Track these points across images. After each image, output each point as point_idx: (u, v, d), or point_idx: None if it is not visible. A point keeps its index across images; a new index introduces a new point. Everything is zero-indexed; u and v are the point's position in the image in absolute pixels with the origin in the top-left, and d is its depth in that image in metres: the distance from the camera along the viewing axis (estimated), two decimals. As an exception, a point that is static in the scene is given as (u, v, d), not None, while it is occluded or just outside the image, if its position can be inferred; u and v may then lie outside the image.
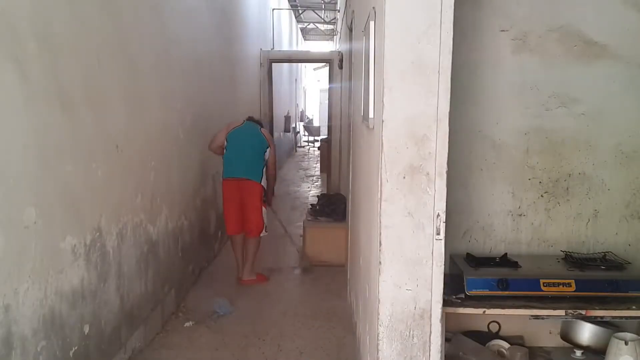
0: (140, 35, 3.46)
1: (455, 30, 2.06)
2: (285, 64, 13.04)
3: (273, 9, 10.49)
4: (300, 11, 15.19)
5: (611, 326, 2.70)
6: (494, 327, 3.00)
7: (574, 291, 2.50)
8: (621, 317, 2.53)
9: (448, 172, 2.13)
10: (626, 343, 2.45)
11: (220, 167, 4.99)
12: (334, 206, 5.70)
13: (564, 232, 2.95)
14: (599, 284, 2.52)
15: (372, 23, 2.47)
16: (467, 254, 2.82)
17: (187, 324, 3.83)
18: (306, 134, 18.86)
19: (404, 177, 2.14)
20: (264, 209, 4.78)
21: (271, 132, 9.07)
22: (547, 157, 2.91)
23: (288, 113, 14.52)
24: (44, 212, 2.30)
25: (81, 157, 2.64)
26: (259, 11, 8.87)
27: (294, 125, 16.21)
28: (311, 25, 17.73)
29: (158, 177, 3.69)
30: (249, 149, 4.70)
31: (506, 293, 2.50)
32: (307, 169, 12.73)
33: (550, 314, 2.45)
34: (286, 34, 13.49)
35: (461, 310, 2.45)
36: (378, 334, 2.24)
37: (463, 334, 2.91)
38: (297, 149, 17.41)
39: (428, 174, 2.13)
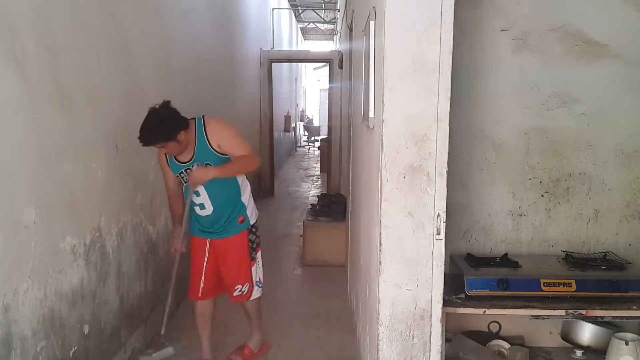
0: (140, 35, 3.46)
1: (455, 30, 2.06)
2: (285, 64, 13.04)
3: (273, 9, 10.48)
4: (300, 11, 15.18)
5: (612, 326, 2.70)
6: (494, 327, 3.00)
7: (574, 291, 2.50)
8: (621, 317, 2.53)
9: (448, 172, 2.13)
10: (627, 343, 2.45)
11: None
12: (334, 206, 5.70)
13: (564, 232, 2.95)
14: (600, 284, 2.52)
15: (372, 23, 2.46)
16: (468, 254, 2.82)
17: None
18: (306, 133, 18.85)
19: (404, 177, 2.14)
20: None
21: (271, 132, 9.11)
22: (548, 157, 2.91)
23: (288, 113, 14.52)
24: (44, 212, 2.30)
25: (81, 157, 2.63)
26: (259, 11, 8.86)
27: (294, 125, 16.21)
28: (311, 25, 17.71)
29: (158, 177, 3.68)
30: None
31: (506, 293, 2.50)
32: (307, 169, 12.73)
33: (550, 314, 2.45)
34: (286, 33, 13.48)
35: (461, 310, 2.45)
36: (378, 334, 2.24)
37: (463, 334, 2.91)
38: (297, 148, 17.42)
39: (428, 173, 2.13)
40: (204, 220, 3.04)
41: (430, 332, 2.22)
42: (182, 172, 2.94)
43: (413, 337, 2.23)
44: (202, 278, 3.11)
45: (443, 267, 2.19)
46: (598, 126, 2.89)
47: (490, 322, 2.99)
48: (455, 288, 2.53)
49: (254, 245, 3.16)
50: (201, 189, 2.92)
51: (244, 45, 7.54)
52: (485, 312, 2.45)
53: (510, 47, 2.84)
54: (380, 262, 2.19)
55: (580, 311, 2.43)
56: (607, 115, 2.88)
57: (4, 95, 2.08)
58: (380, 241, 2.18)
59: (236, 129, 3.03)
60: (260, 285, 3.23)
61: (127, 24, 3.23)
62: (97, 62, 2.81)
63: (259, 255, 3.19)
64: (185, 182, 2.95)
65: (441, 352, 2.25)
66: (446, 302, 2.29)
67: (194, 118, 2.99)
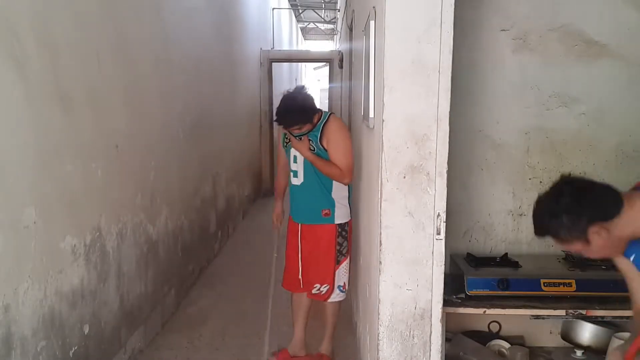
0: (140, 35, 3.46)
1: (455, 30, 2.06)
2: (285, 64, 13.02)
3: (273, 9, 10.48)
4: (300, 10, 15.18)
5: (612, 326, 2.70)
6: (494, 327, 2.99)
7: (574, 291, 2.50)
8: (622, 317, 2.52)
9: (448, 172, 2.13)
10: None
11: (220, 166, 4.95)
12: (334, 206, 5.69)
13: (564, 232, 2.94)
14: (600, 284, 2.51)
15: (372, 22, 2.46)
16: (468, 253, 2.82)
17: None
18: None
19: (404, 177, 2.14)
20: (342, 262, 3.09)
21: (271, 132, 9.11)
22: (548, 156, 2.91)
23: (288, 113, 14.48)
24: (44, 212, 2.30)
25: (81, 157, 2.63)
26: (259, 11, 8.86)
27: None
28: (311, 25, 17.71)
29: (158, 177, 3.68)
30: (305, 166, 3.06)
31: (507, 293, 2.50)
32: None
33: (550, 314, 2.45)
34: (286, 33, 13.48)
35: (461, 310, 2.45)
36: (378, 334, 2.23)
37: (463, 334, 2.91)
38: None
39: (428, 173, 2.13)
40: (295, 194, 3.14)
41: (431, 332, 2.22)
42: (286, 134, 3.09)
43: (413, 337, 2.22)
44: (300, 268, 3.16)
45: (443, 267, 2.18)
46: (598, 126, 2.88)
47: (491, 322, 2.99)
48: (455, 288, 2.53)
49: (342, 250, 3.08)
50: (300, 157, 3.04)
51: (244, 45, 7.54)
52: (485, 312, 2.45)
53: (511, 47, 2.83)
54: (380, 262, 2.19)
55: (581, 311, 2.43)
56: (607, 115, 2.88)
57: (4, 95, 2.08)
58: (380, 241, 2.18)
59: (351, 142, 3.06)
60: (344, 290, 3.13)
61: (127, 24, 3.23)
62: (97, 61, 2.82)
63: (346, 261, 3.10)
64: (286, 144, 3.15)
65: (441, 352, 2.25)
66: (446, 302, 2.29)
67: (322, 110, 3.14)
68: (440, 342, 2.23)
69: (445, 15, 2.04)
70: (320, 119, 3.04)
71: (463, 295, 2.50)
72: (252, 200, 8.07)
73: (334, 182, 3.02)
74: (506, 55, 2.84)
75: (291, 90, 3.05)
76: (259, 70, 8.62)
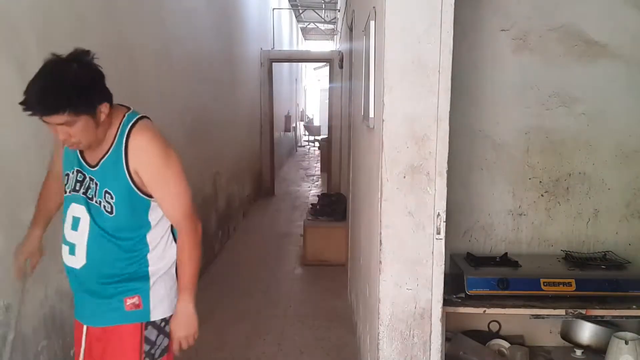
0: (141, 35, 3.46)
1: (455, 30, 2.06)
2: (286, 64, 13.04)
3: (273, 9, 10.48)
4: (300, 11, 15.18)
5: (611, 325, 2.71)
6: (494, 327, 3.00)
7: (574, 290, 2.50)
8: (621, 317, 2.53)
9: (448, 172, 2.13)
10: (626, 342, 2.45)
11: (220, 166, 4.92)
12: (334, 206, 5.70)
13: (564, 231, 2.95)
14: (600, 284, 2.52)
15: (372, 23, 2.47)
16: (468, 253, 2.82)
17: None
18: (306, 133, 18.87)
19: (404, 177, 2.14)
20: None
21: (271, 132, 9.13)
22: (548, 156, 2.91)
23: (288, 113, 14.53)
24: (45, 212, 2.29)
25: (81, 157, 2.63)
26: (259, 11, 8.86)
27: (294, 125, 16.22)
28: (311, 25, 17.71)
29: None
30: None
31: (506, 292, 2.50)
32: (307, 169, 12.74)
33: (550, 314, 2.46)
34: (286, 33, 13.48)
35: (461, 309, 2.45)
36: (378, 333, 2.24)
37: (463, 333, 2.91)
38: (298, 148, 17.43)
39: (428, 173, 2.13)
40: (73, 280, 1.76)
41: (431, 331, 2.22)
42: (72, 172, 1.72)
43: (413, 337, 2.23)
44: None
45: (443, 266, 2.19)
46: (598, 126, 2.89)
47: (490, 322, 3.00)
48: (455, 287, 2.53)
49: (155, 353, 1.74)
50: (83, 215, 1.67)
51: (244, 45, 7.54)
52: (485, 311, 2.45)
53: (511, 47, 2.84)
54: (380, 262, 2.20)
55: (580, 310, 2.44)
56: (607, 115, 2.89)
57: (5, 95, 2.08)
58: (381, 241, 2.19)
59: (180, 163, 1.87)
60: None
61: (127, 24, 3.23)
62: (97, 62, 2.81)
63: None
64: (67, 190, 1.73)
65: (441, 351, 2.25)
66: (446, 302, 2.29)
67: (127, 107, 1.84)
68: (440, 341, 2.23)
69: (445, 16, 2.05)
70: (120, 125, 1.75)
71: (463, 295, 2.50)
72: (252, 200, 8.08)
73: (152, 232, 1.73)
74: (506, 55, 2.84)
75: (60, 55, 1.70)
76: (259, 70, 8.62)
